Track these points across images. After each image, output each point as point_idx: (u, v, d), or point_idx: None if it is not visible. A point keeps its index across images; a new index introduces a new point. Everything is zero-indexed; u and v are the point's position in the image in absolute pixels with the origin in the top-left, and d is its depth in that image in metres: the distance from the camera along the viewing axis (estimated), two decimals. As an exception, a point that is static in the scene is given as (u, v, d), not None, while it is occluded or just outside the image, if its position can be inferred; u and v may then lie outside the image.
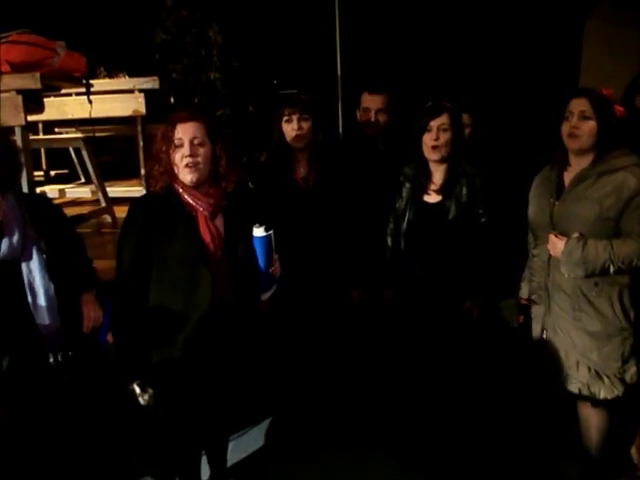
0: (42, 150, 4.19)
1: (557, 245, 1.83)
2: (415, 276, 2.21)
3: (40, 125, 3.86)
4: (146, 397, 1.69)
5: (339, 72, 4.02)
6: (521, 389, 2.38)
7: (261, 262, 1.83)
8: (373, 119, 2.50)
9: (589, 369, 1.85)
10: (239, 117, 3.21)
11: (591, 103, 1.79)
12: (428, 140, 2.10)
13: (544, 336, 1.96)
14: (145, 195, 1.79)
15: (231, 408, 1.99)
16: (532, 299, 2.03)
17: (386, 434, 2.41)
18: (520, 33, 3.62)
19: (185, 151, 1.68)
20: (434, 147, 2.09)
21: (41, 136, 3.70)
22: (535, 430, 2.33)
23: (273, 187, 2.22)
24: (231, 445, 2.19)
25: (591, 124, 1.79)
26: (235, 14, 3.36)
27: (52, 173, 4.29)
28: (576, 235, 1.80)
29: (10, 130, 2.39)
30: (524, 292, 2.09)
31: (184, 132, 1.69)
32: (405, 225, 2.20)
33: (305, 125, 2.17)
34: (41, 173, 4.22)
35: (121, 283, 1.71)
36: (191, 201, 1.74)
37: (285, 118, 2.17)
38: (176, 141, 1.69)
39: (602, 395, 1.84)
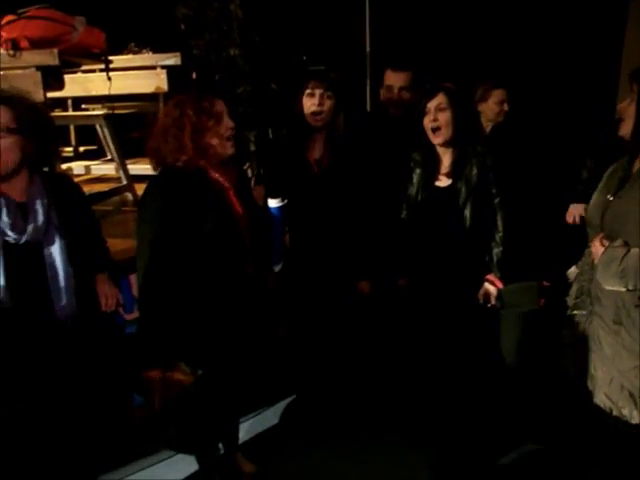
0: (72, 127, 4.26)
1: (598, 251, 1.66)
2: (427, 264, 2.14)
3: (69, 101, 3.91)
4: (192, 375, 1.70)
5: (368, 49, 3.90)
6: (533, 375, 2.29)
7: (276, 233, 1.85)
8: (396, 97, 2.41)
9: (622, 387, 1.66)
10: (260, 94, 3.15)
11: None
12: (427, 123, 2.03)
13: (581, 342, 1.82)
14: (166, 172, 1.75)
15: (249, 384, 2.00)
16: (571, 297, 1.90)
17: (398, 418, 2.39)
18: (561, 10, 3.40)
19: (229, 123, 1.71)
20: (434, 129, 2.01)
21: (67, 113, 3.73)
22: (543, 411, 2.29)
23: (285, 165, 2.17)
24: (244, 425, 2.21)
25: None
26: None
27: (81, 149, 4.36)
28: (618, 242, 1.60)
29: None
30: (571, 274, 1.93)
31: (222, 105, 1.72)
32: (417, 212, 2.14)
33: (327, 103, 2.10)
34: (70, 149, 4.30)
35: (152, 263, 1.69)
36: (218, 176, 1.74)
37: (308, 91, 2.10)
38: (218, 113, 1.69)
39: (635, 420, 1.65)
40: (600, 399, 1.73)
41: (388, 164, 2.30)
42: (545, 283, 2.03)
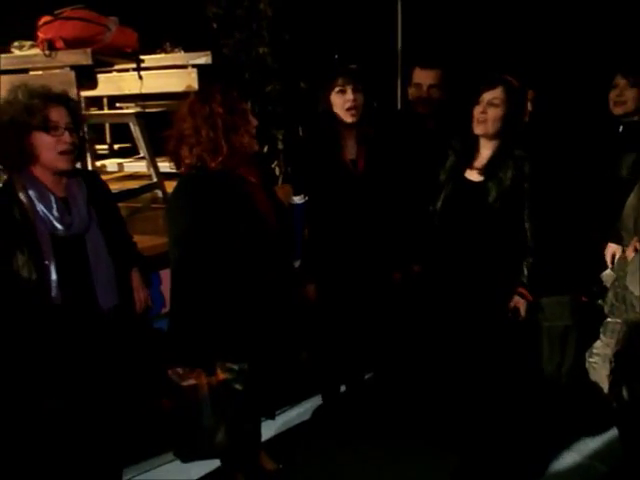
0: (107, 125, 4.36)
1: (629, 257, 1.63)
2: (446, 258, 2.09)
3: (105, 100, 4.00)
4: (239, 372, 1.71)
5: (399, 46, 3.86)
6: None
7: (297, 229, 1.86)
8: (425, 95, 2.36)
9: None
10: (289, 93, 3.15)
11: None
12: (476, 113, 1.96)
13: (610, 351, 1.76)
14: (196, 173, 1.73)
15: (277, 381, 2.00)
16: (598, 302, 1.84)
17: (424, 423, 2.34)
18: (591, 8, 3.28)
19: (254, 120, 1.72)
20: (479, 121, 1.95)
21: (103, 111, 3.82)
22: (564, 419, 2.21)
23: (318, 165, 2.14)
24: (268, 423, 2.21)
25: None
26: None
27: (115, 147, 4.46)
28: None
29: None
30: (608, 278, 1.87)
31: (246, 104, 1.74)
32: (441, 201, 2.08)
33: (359, 98, 2.06)
34: (105, 146, 4.41)
35: (188, 268, 1.69)
36: (246, 174, 1.75)
37: (338, 89, 2.06)
38: (245, 112, 1.71)
39: None
40: (628, 413, 1.68)
41: (415, 164, 2.26)
42: (583, 298, 1.96)
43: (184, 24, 3.26)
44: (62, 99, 1.60)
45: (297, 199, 1.89)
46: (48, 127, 1.52)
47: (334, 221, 2.15)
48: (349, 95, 2.04)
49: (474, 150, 2.04)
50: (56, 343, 1.54)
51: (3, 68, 2.51)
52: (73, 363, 1.58)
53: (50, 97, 1.56)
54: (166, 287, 2.08)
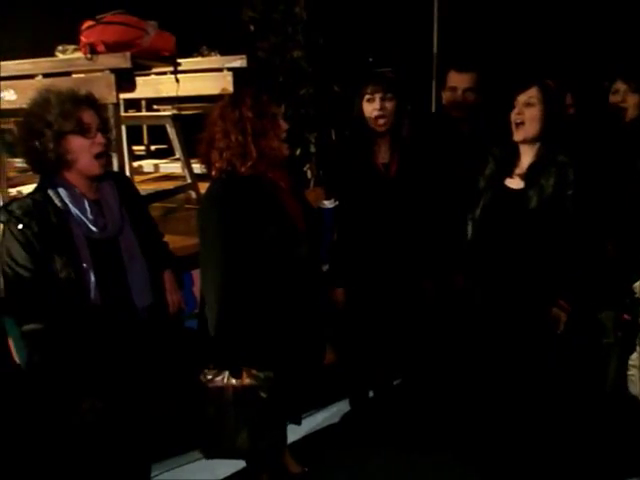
0: (144, 126, 4.47)
1: None
2: (487, 268, 2.04)
3: (143, 102, 4.11)
4: (264, 380, 1.71)
5: (435, 49, 3.82)
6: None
7: (326, 233, 1.86)
8: (460, 99, 2.33)
9: None
10: (323, 96, 3.15)
11: None
12: (513, 116, 1.91)
13: None
14: (226, 178, 1.74)
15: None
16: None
17: (457, 437, 2.29)
18: (629, 12, 3.16)
19: (284, 125, 1.72)
20: (517, 124, 1.89)
21: (141, 113, 3.92)
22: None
23: (351, 171, 2.14)
24: (294, 426, 2.20)
25: None
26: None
27: (152, 148, 4.57)
28: None
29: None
30: None
31: (277, 108, 1.73)
32: (479, 209, 2.03)
33: (389, 106, 2.05)
34: (142, 148, 4.52)
35: (221, 271, 1.69)
36: (275, 179, 1.75)
37: (367, 97, 2.06)
38: (275, 116, 1.71)
39: None
40: None
41: (448, 168, 2.23)
42: (625, 316, 1.88)
43: (221, 28, 3.31)
44: (90, 101, 1.61)
45: (327, 203, 1.89)
46: (83, 130, 1.54)
47: (365, 224, 2.14)
48: (377, 104, 2.04)
49: (514, 157, 1.99)
50: (96, 343, 1.56)
51: (48, 71, 2.59)
52: (112, 363, 1.60)
53: (80, 100, 1.57)
54: (198, 288, 2.10)
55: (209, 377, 1.71)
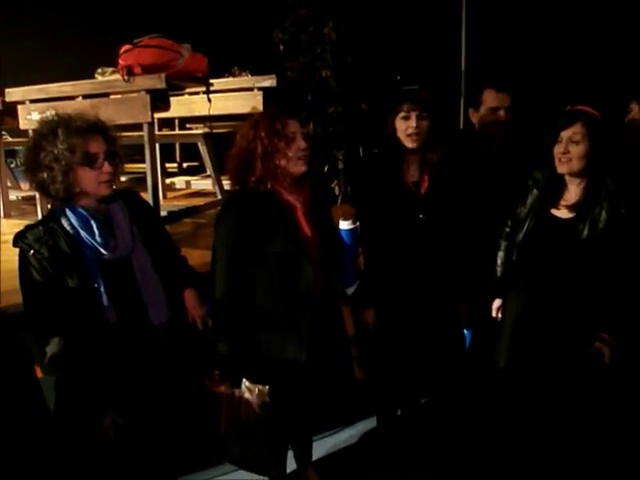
0: (177, 144, 4.61)
1: None
2: (527, 295, 1.98)
3: (176, 121, 4.24)
4: (256, 394, 1.72)
5: (463, 67, 3.82)
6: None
7: (348, 255, 1.82)
8: (501, 119, 2.30)
9: None
10: (351, 114, 3.19)
11: None
12: (557, 153, 1.85)
13: None
14: (240, 192, 1.80)
15: (323, 401, 1.98)
16: None
17: (486, 461, 2.23)
18: None
19: (302, 144, 1.73)
20: (562, 161, 1.84)
21: (174, 132, 4.05)
22: None
23: (380, 189, 2.13)
24: (320, 442, 2.20)
25: None
26: (354, 10, 3.34)
27: (185, 165, 4.69)
28: None
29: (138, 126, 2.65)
30: None
31: (296, 125, 1.75)
32: (522, 235, 1.98)
33: (423, 124, 2.03)
34: (175, 165, 4.65)
35: (222, 284, 1.74)
36: (289, 197, 1.77)
37: (402, 115, 2.03)
38: (290, 135, 1.72)
39: None
40: None
41: (479, 187, 2.21)
42: None
43: (251, 49, 3.40)
44: (98, 127, 1.60)
45: (345, 224, 1.86)
46: (90, 161, 1.55)
47: (395, 243, 2.11)
48: (412, 122, 2.01)
49: (560, 187, 1.93)
50: (113, 361, 1.58)
51: (87, 93, 2.71)
52: (131, 380, 1.61)
53: (88, 128, 1.57)
54: None
55: (213, 383, 1.74)
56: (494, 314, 2.15)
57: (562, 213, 1.91)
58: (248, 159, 1.72)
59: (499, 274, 2.13)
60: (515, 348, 2.02)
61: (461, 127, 3.72)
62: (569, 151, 1.82)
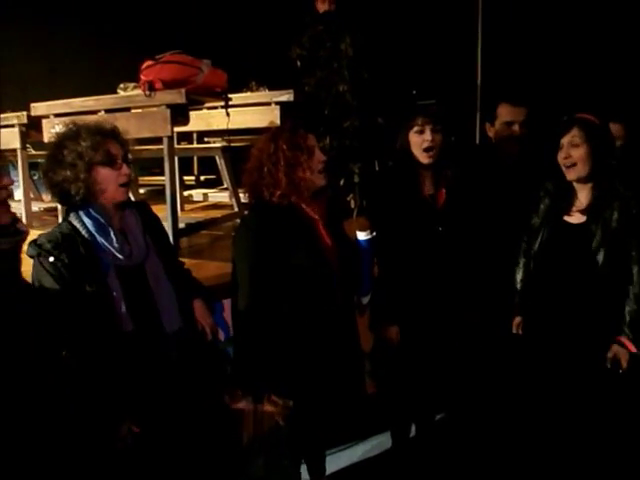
0: (195, 157, 4.68)
1: None
2: (546, 307, 1.98)
3: (194, 135, 4.31)
4: (280, 407, 1.72)
5: (479, 81, 3.84)
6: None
7: (365, 265, 1.83)
8: (516, 133, 2.31)
9: None
10: (367, 128, 3.22)
11: None
12: (560, 159, 1.89)
13: None
14: (259, 205, 1.82)
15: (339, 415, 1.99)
16: None
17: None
18: None
19: (321, 156, 1.77)
20: (567, 166, 1.87)
21: (192, 145, 4.11)
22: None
23: (396, 202, 2.13)
24: (333, 457, 2.18)
25: None
26: (370, 26, 3.38)
27: (202, 178, 4.76)
28: None
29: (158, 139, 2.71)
30: None
31: (314, 139, 1.79)
32: (537, 245, 1.99)
33: (437, 138, 2.04)
34: (192, 178, 4.72)
35: (246, 296, 1.75)
36: (308, 209, 1.79)
37: (416, 129, 2.05)
38: (310, 148, 1.76)
39: None
40: None
41: (495, 201, 2.21)
42: None
43: (269, 64, 3.46)
44: (115, 134, 1.65)
45: (362, 234, 1.88)
46: (110, 161, 1.58)
47: (412, 256, 2.11)
48: (427, 135, 2.03)
49: (571, 194, 1.96)
50: (130, 368, 1.58)
51: (110, 107, 2.78)
52: (146, 388, 1.61)
53: (107, 133, 1.62)
54: (228, 314, 2.13)
55: (233, 398, 1.74)
56: (515, 330, 2.14)
57: (574, 219, 1.94)
58: (270, 172, 1.74)
59: (519, 291, 2.12)
60: (537, 360, 2.01)
61: (477, 141, 3.73)
62: (571, 155, 1.87)
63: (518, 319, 2.13)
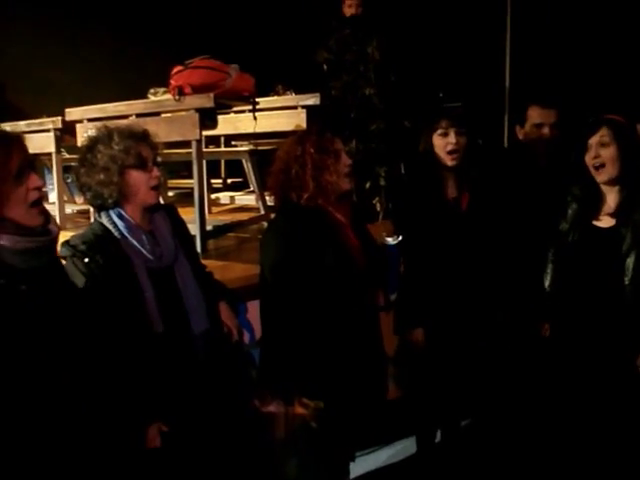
0: (222, 161, 4.74)
1: None
2: (577, 314, 1.95)
3: (222, 139, 4.38)
4: (312, 409, 1.72)
5: (507, 83, 3.79)
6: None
7: (392, 266, 1.92)
8: (546, 135, 2.27)
9: None
10: (393, 131, 3.21)
11: None
12: (589, 160, 1.85)
13: None
14: (287, 209, 1.83)
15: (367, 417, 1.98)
16: None
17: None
18: None
19: (347, 160, 1.78)
20: (597, 167, 1.84)
21: (220, 149, 4.17)
22: None
23: (420, 205, 2.13)
24: (358, 460, 2.18)
25: None
26: (398, 29, 3.38)
27: (229, 181, 4.82)
28: None
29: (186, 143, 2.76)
30: None
31: (340, 143, 1.81)
32: (567, 250, 1.97)
33: (462, 141, 2.03)
34: (219, 181, 4.78)
35: (276, 298, 1.76)
36: (335, 212, 1.80)
37: (440, 131, 2.04)
38: (337, 152, 1.77)
39: None
40: None
41: (526, 204, 2.18)
42: None
43: (296, 68, 3.49)
44: (146, 137, 1.65)
45: (390, 239, 1.89)
46: (142, 164, 1.59)
47: (437, 260, 2.09)
48: (451, 138, 2.02)
49: (598, 198, 1.92)
50: (160, 369, 1.58)
51: (140, 112, 2.85)
52: (175, 388, 1.62)
53: (138, 136, 1.63)
54: (252, 316, 2.16)
55: (263, 401, 1.75)
56: (543, 334, 2.10)
57: (603, 223, 1.91)
58: (298, 175, 1.75)
59: (548, 295, 2.08)
60: (566, 365, 1.98)
61: (505, 144, 3.68)
62: (600, 155, 1.83)
63: (546, 324, 2.09)
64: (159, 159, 1.68)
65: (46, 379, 1.23)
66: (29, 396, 1.18)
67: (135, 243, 1.60)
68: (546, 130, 2.26)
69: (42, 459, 1.20)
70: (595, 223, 1.92)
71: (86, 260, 1.52)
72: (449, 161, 2.04)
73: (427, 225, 2.09)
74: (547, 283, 2.08)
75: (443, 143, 2.04)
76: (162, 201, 1.92)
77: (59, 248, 1.50)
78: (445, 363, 2.13)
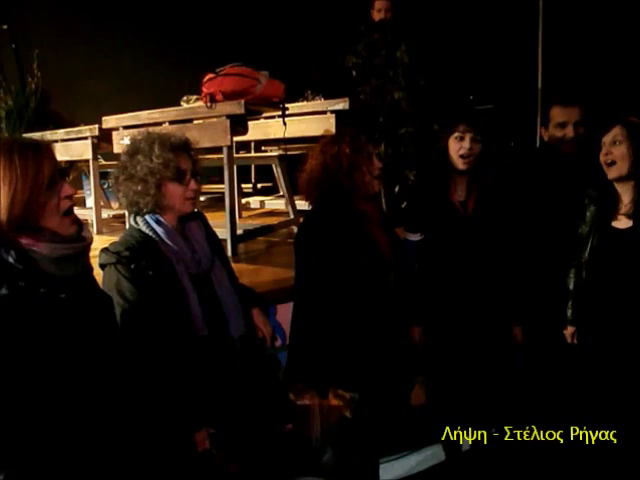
0: (252, 166, 4.81)
1: None
2: (602, 313, 1.92)
3: (252, 144, 4.44)
4: (347, 400, 1.75)
5: (540, 85, 3.72)
6: None
7: (412, 265, 1.99)
8: (571, 134, 2.24)
9: None
10: (423, 135, 3.20)
11: None
12: (602, 158, 1.88)
13: None
14: (321, 209, 1.86)
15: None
16: None
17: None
18: None
19: (378, 163, 1.84)
20: (608, 164, 1.85)
21: (250, 154, 4.23)
22: None
23: (428, 206, 2.16)
24: (385, 466, 2.17)
25: None
26: (427, 31, 3.37)
27: (259, 186, 4.88)
28: None
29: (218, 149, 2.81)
30: None
31: (373, 148, 1.87)
32: (587, 254, 1.96)
33: (476, 147, 2.05)
34: (250, 185, 4.85)
35: (312, 293, 1.80)
36: (366, 211, 1.85)
37: (456, 135, 2.06)
38: (369, 154, 1.84)
39: None
40: None
41: (560, 205, 2.15)
42: None
43: (325, 73, 3.51)
44: (186, 147, 1.65)
45: (412, 236, 1.94)
46: (180, 177, 1.59)
47: (443, 262, 2.11)
48: (466, 143, 2.03)
49: (615, 198, 1.93)
50: (204, 373, 1.59)
51: (173, 119, 2.92)
52: (217, 392, 1.62)
53: (179, 147, 1.61)
54: (282, 317, 2.20)
55: (298, 394, 1.77)
56: (569, 340, 2.08)
57: (621, 224, 1.91)
58: (334, 173, 1.80)
59: (572, 301, 2.06)
60: (597, 371, 1.97)
61: (537, 145, 3.61)
62: (611, 152, 1.86)
63: (571, 329, 2.08)
64: (198, 169, 1.67)
65: (97, 386, 1.23)
66: (78, 405, 1.19)
67: (176, 248, 1.60)
68: (570, 128, 2.23)
69: (91, 467, 1.21)
70: (614, 224, 1.93)
71: (132, 266, 1.51)
72: (461, 165, 2.06)
73: (434, 227, 2.12)
74: (570, 287, 2.07)
75: (457, 147, 2.06)
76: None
77: (98, 256, 1.52)
78: (459, 367, 2.12)
